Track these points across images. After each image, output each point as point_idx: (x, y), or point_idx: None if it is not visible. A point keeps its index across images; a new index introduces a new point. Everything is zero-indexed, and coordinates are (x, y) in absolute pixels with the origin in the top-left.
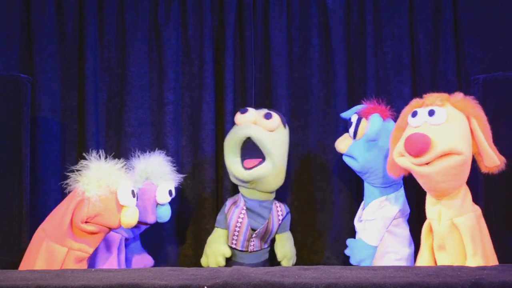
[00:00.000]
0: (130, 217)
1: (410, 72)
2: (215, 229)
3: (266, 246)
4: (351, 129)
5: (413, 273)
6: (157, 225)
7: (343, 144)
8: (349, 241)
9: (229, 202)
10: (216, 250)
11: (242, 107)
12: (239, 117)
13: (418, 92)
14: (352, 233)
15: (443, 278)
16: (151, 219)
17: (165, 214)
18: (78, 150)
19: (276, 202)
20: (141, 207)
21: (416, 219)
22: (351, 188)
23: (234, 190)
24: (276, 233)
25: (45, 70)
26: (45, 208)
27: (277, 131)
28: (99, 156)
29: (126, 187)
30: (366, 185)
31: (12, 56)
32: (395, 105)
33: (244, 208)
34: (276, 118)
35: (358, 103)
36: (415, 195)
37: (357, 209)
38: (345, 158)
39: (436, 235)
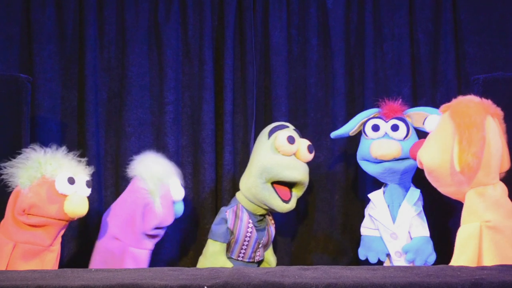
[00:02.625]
0: (73, 206)
1: (410, 72)
2: (214, 242)
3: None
4: (401, 132)
5: (413, 273)
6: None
7: (393, 148)
8: (407, 247)
9: (230, 215)
10: (222, 265)
11: (242, 109)
12: (287, 148)
13: (417, 92)
14: (349, 233)
15: (443, 278)
16: (172, 220)
17: (180, 209)
18: (78, 150)
19: (268, 213)
20: (166, 212)
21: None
22: (348, 188)
23: (234, 190)
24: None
25: (45, 70)
26: None
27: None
28: (38, 147)
29: (62, 176)
30: (394, 187)
31: (12, 56)
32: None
33: (251, 222)
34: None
35: (357, 103)
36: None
37: (353, 208)
38: (399, 163)
39: None
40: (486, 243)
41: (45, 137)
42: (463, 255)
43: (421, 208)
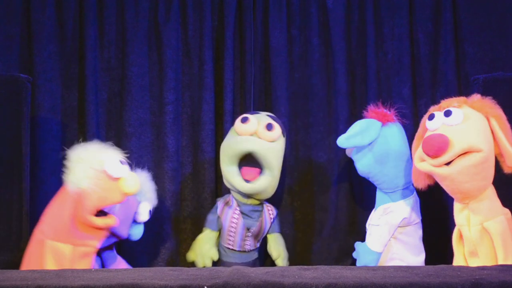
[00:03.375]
0: (132, 185)
1: (410, 72)
2: (205, 229)
3: (258, 245)
4: None
5: (413, 273)
6: (156, 225)
7: (350, 149)
8: (356, 244)
9: (220, 203)
10: (205, 252)
11: (241, 109)
12: (239, 126)
13: (418, 92)
14: (353, 234)
15: (443, 278)
16: (125, 234)
17: (138, 233)
18: None
19: (267, 203)
20: (121, 219)
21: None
22: (353, 189)
23: None
24: (268, 233)
25: (45, 70)
26: (45, 208)
27: (277, 141)
28: (76, 147)
29: (112, 160)
30: (377, 189)
31: (12, 56)
32: (395, 105)
33: (238, 209)
34: (277, 128)
35: (359, 103)
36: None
37: (358, 209)
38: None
39: (467, 242)
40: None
41: (45, 137)
42: (510, 249)
43: (386, 223)
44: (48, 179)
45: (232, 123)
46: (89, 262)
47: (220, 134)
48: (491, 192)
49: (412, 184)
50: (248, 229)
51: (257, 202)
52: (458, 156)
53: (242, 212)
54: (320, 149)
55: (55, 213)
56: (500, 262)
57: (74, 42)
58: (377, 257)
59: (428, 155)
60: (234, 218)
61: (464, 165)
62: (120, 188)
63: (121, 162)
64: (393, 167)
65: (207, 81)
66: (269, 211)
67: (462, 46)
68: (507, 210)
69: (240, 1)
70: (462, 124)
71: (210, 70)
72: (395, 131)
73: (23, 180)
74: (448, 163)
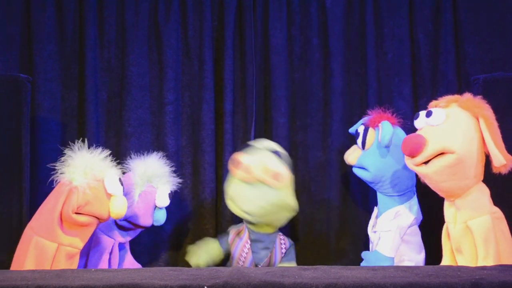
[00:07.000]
0: (119, 206)
1: (410, 72)
2: (215, 240)
3: None
4: (359, 140)
5: (413, 273)
6: (157, 226)
7: (352, 156)
8: (364, 254)
9: (232, 232)
10: (210, 249)
11: (242, 109)
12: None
13: (418, 92)
14: (351, 234)
15: (443, 278)
16: (149, 222)
17: (162, 217)
18: None
19: (280, 234)
20: (143, 210)
21: (427, 225)
22: (352, 189)
23: None
24: (281, 262)
25: (45, 70)
26: None
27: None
28: (82, 146)
29: (113, 175)
30: (379, 194)
31: (12, 56)
32: (395, 105)
33: (249, 241)
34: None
35: (359, 103)
36: (427, 202)
37: (358, 209)
38: (355, 170)
39: (452, 239)
40: (499, 233)
41: (45, 137)
42: (490, 249)
43: (398, 227)
44: (48, 179)
45: (232, 123)
46: (72, 264)
47: (220, 134)
48: (478, 190)
49: (415, 185)
50: (256, 265)
51: (270, 230)
52: (435, 156)
53: (254, 241)
54: (319, 150)
55: (47, 208)
56: (480, 262)
57: (74, 42)
58: (392, 263)
59: (405, 154)
60: (244, 252)
61: (439, 166)
62: (108, 206)
63: (120, 181)
64: (407, 168)
65: (207, 81)
66: (282, 243)
67: (462, 46)
68: (496, 209)
69: (240, 1)
70: (443, 125)
71: (210, 70)
72: (401, 132)
73: (23, 180)
74: (427, 162)
